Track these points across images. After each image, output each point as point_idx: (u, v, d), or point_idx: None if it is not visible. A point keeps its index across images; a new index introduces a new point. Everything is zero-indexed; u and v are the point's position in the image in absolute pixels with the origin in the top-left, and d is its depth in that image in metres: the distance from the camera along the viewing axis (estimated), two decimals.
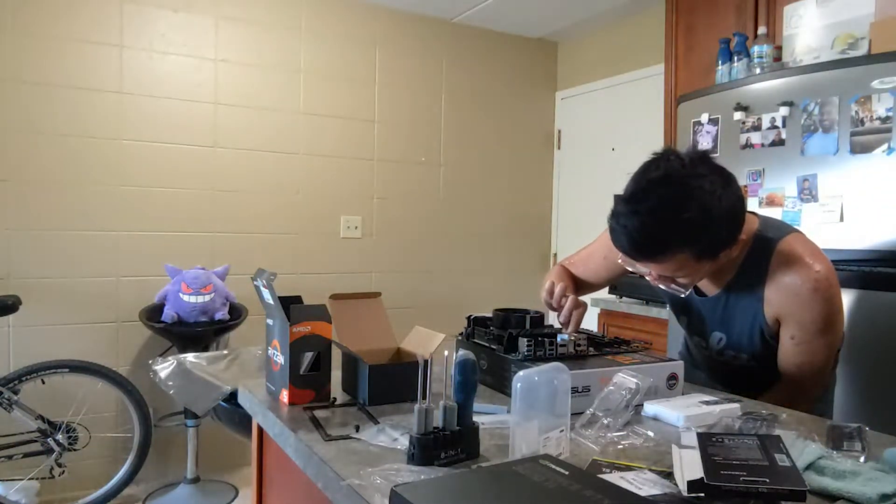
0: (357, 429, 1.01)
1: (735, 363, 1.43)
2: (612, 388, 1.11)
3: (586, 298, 1.54)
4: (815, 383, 1.35)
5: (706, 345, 1.47)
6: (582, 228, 4.00)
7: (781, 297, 1.28)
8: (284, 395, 1.16)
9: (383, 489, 0.76)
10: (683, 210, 1.16)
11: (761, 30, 2.43)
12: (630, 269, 1.33)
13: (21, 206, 2.87)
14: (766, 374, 1.38)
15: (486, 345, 1.31)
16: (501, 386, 1.24)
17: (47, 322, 2.93)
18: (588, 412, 1.07)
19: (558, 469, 0.70)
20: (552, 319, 1.46)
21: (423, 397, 0.87)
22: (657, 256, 1.21)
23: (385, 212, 3.71)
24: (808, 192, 2.02)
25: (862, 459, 0.88)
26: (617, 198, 1.26)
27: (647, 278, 1.31)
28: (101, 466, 3.01)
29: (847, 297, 1.93)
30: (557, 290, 1.44)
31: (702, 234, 1.18)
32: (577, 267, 1.65)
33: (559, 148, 4.23)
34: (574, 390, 1.10)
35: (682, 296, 1.35)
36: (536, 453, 0.83)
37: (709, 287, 1.41)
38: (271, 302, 1.19)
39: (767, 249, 1.30)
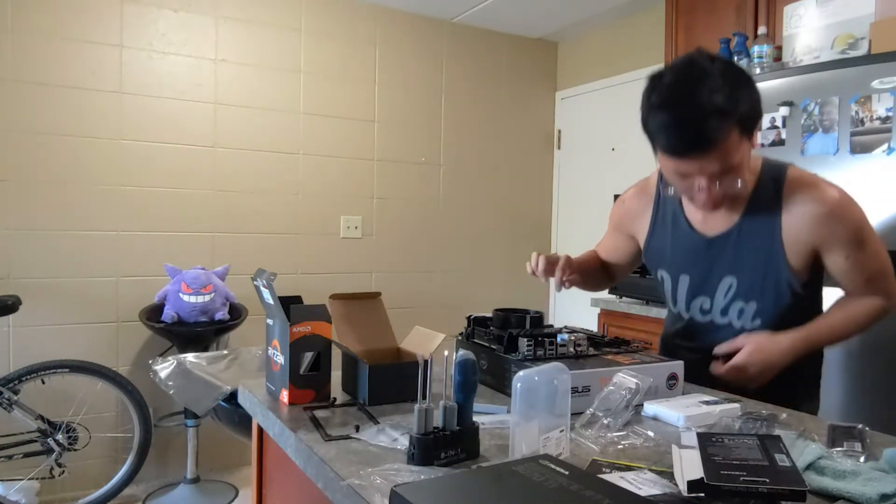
0: (357, 429, 1.01)
1: (736, 326, 1.39)
2: (612, 388, 1.11)
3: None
4: (889, 283, 1.34)
5: (710, 305, 1.42)
6: (582, 228, 4.00)
7: (810, 224, 1.27)
8: (284, 395, 1.16)
9: (383, 489, 0.76)
10: (716, 74, 1.16)
11: (761, 30, 2.43)
12: (669, 193, 1.32)
13: (21, 206, 2.87)
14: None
15: (486, 345, 1.31)
16: (501, 386, 1.24)
17: (47, 322, 2.93)
18: (588, 412, 1.07)
19: (558, 469, 0.70)
20: (552, 319, 1.46)
21: (423, 397, 0.87)
22: (713, 139, 1.16)
23: (385, 212, 3.71)
24: None
25: (862, 459, 0.88)
26: (650, 104, 1.22)
27: (684, 194, 1.31)
28: (101, 466, 3.01)
29: None
30: (552, 257, 1.43)
31: (743, 98, 1.18)
32: (601, 252, 1.69)
33: (559, 148, 4.23)
34: (574, 390, 1.10)
35: (712, 210, 1.33)
36: (536, 453, 0.83)
37: (720, 222, 1.37)
38: (271, 302, 1.19)
39: (778, 175, 1.32)
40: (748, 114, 1.19)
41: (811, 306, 1.38)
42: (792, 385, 1.37)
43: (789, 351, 1.29)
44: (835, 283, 1.37)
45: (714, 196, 1.26)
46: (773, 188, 1.31)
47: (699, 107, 1.15)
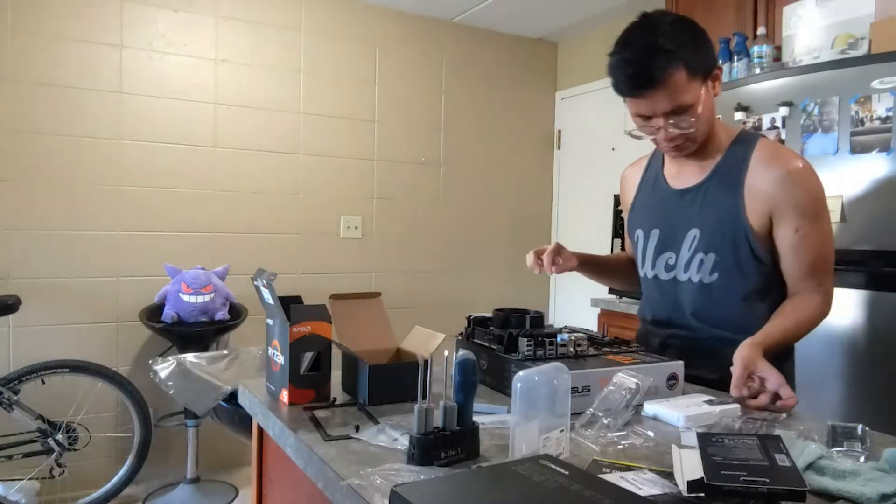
0: (357, 429, 1.01)
1: (695, 281, 1.41)
2: (612, 388, 1.11)
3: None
4: (829, 277, 1.35)
5: (675, 260, 1.46)
6: (582, 228, 4.00)
7: (769, 185, 1.32)
8: (284, 395, 1.16)
9: (383, 489, 0.76)
10: (665, 23, 1.28)
11: (761, 30, 2.43)
12: (635, 134, 1.39)
13: (21, 206, 2.87)
14: (723, 294, 1.37)
15: (486, 345, 1.31)
16: (501, 386, 1.24)
17: (47, 322, 2.93)
18: (588, 412, 1.07)
19: (558, 469, 0.70)
20: (552, 319, 1.47)
21: (423, 397, 0.87)
22: (658, 75, 1.26)
23: (385, 212, 3.71)
24: None
25: (862, 459, 0.88)
26: (611, 54, 1.34)
27: (648, 137, 1.37)
28: (101, 466, 3.01)
29: (848, 297, 1.93)
30: (541, 249, 1.52)
31: (687, 42, 1.27)
32: (628, 247, 1.72)
33: (559, 148, 4.23)
34: (574, 390, 1.10)
35: (678, 154, 1.39)
36: (536, 453, 0.83)
37: (692, 176, 1.44)
38: (271, 302, 1.19)
39: (751, 141, 1.39)
40: (695, 56, 1.27)
41: (774, 286, 1.37)
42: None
43: (768, 348, 1.24)
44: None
45: (670, 136, 1.33)
46: (744, 150, 1.38)
47: (643, 47, 1.27)
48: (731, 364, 1.28)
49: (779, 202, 1.31)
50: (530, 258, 1.51)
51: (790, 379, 1.44)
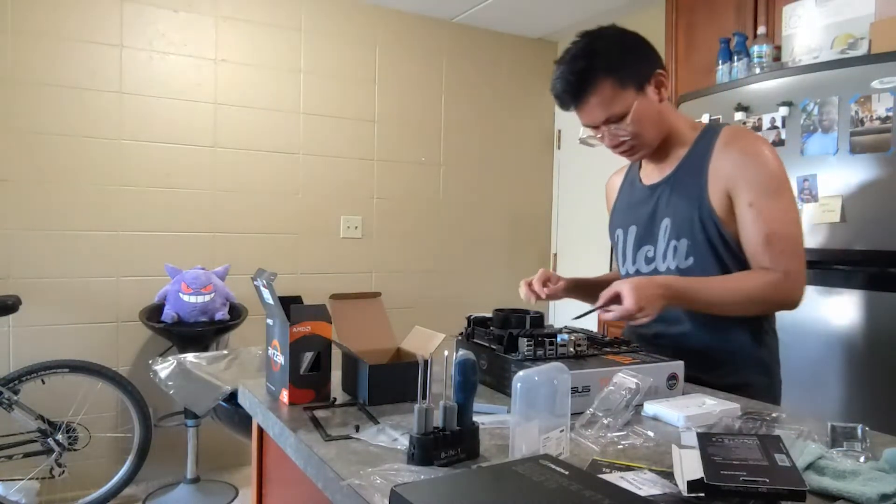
0: (357, 429, 1.01)
1: (672, 268, 1.43)
2: (612, 388, 1.11)
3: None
4: (792, 257, 1.30)
5: (654, 252, 1.48)
6: (582, 228, 4.00)
7: (727, 164, 1.34)
8: (284, 395, 1.16)
9: (383, 489, 0.76)
10: (597, 41, 1.36)
11: (760, 29, 2.43)
12: (589, 142, 1.45)
13: (21, 206, 2.87)
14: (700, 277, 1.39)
15: (486, 345, 1.31)
16: (501, 386, 1.24)
17: (47, 322, 2.93)
18: (588, 412, 1.07)
19: (558, 469, 0.70)
20: (552, 319, 1.47)
21: (423, 397, 0.87)
22: (585, 88, 1.33)
23: (385, 212, 3.71)
24: (807, 192, 2.02)
25: (862, 459, 0.88)
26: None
27: (597, 140, 1.43)
28: (101, 466, 3.01)
29: (847, 298, 1.93)
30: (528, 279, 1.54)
31: (616, 57, 1.34)
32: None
33: (559, 148, 4.23)
34: (574, 390, 1.10)
35: (631, 158, 1.45)
36: (536, 453, 0.83)
37: (662, 172, 1.47)
38: (271, 302, 1.19)
39: (716, 130, 1.41)
40: (625, 68, 1.33)
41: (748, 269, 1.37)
42: (743, 372, 1.39)
43: (663, 284, 1.28)
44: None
45: (613, 142, 1.40)
46: (708, 140, 1.40)
47: (569, 64, 1.35)
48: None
49: (734, 179, 1.33)
50: (523, 290, 1.53)
51: (773, 367, 1.45)
